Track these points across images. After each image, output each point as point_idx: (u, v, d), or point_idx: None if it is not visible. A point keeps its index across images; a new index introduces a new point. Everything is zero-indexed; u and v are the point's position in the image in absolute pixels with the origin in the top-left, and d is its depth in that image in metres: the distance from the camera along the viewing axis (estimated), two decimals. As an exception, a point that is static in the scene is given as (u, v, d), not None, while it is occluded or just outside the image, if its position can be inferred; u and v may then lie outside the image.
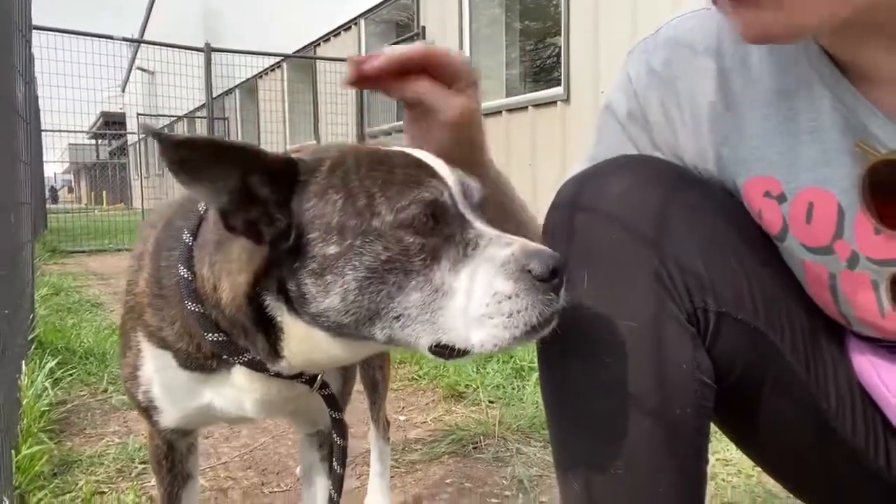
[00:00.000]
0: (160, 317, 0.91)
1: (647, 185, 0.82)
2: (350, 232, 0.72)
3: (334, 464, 1.04)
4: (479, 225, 0.76)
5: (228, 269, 0.80)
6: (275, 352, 0.81)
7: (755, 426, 0.90)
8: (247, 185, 0.73)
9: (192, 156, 0.68)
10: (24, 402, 2.13)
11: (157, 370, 0.96)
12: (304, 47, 11.07)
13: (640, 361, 0.78)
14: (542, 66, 7.79)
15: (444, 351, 0.73)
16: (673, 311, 0.78)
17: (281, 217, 0.75)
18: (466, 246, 0.73)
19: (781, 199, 0.83)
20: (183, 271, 0.85)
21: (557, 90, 6.02)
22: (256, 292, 0.78)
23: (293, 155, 0.78)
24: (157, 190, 16.38)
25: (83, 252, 8.61)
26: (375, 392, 1.71)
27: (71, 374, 2.79)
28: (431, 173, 0.75)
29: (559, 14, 6.00)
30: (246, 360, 0.85)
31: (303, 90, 11.16)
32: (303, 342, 0.79)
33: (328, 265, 0.73)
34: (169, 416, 1.01)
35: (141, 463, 1.97)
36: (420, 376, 2.80)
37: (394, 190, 0.72)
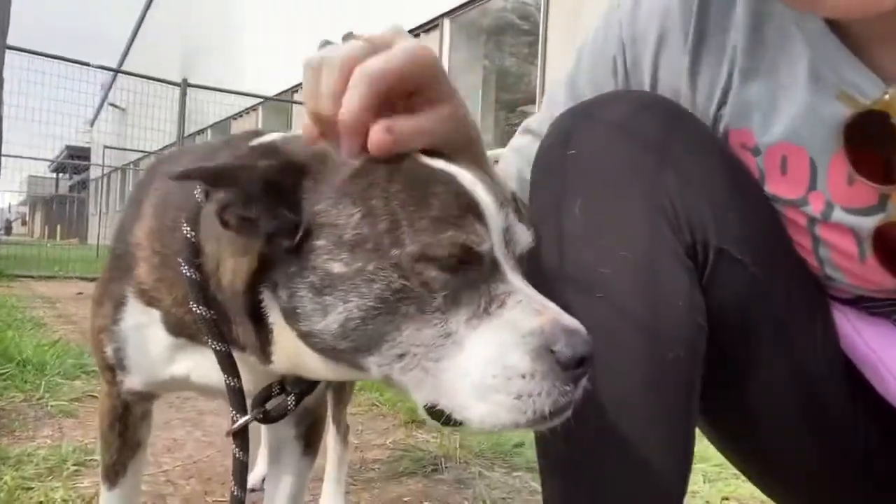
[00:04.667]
0: (157, 276, 0.82)
1: (647, 112, 0.79)
2: (363, 255, 0.62)
3: (232, 486, 0.85)
4: (513, 280, 0.65)
5: (233, 250, 0.70)
6: (264, 352, 0.73)
7: (743, 391, 0.84)
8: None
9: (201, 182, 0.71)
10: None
11: (137, 327, 0.86)
12: (281, 92, 11.14)
13: (633, 297, 0.73)
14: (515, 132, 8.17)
15: (440, 415, 0.63)
16: (671, 242, 0.74)
17: (287, 214, 0.65)
18: (491, 301, 0.63)
19: (756, 152, 0.83)
20: (187, 231, 0.75)
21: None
22: (256, 283, 0.69)
23: (314, 150, 0.68)
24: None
25: (31, 277, 8.25)
26: (342, 391, 1.60)
27: (5, 380, 2.60)
28: (476, 213, 0.64)
29: (533, 87, 6.27)
30: (221, 349, 0.76)
31: (277, 134, 11.16)
32: (291, 353, 0.71)
33: (330, 284, 0.63)
34: (136, 380, 0.91)
35: (74, 465, 1.81)
36: (380, 402, 2.69)
37: (424, 223, 0.62)
